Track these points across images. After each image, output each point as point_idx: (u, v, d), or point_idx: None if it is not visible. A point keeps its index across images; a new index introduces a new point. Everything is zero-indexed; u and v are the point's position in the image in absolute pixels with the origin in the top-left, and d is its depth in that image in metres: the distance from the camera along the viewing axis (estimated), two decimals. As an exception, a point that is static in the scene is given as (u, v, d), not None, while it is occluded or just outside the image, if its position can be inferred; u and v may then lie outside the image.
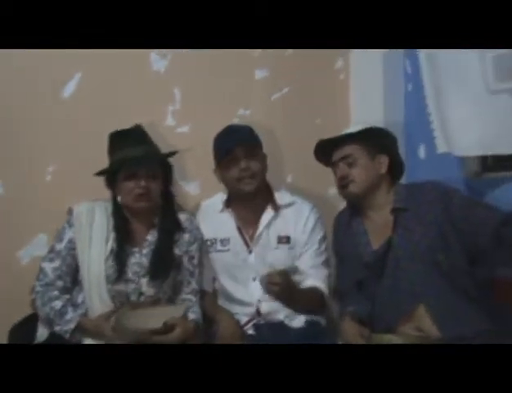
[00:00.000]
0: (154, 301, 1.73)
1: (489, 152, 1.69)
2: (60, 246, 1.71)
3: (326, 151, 1.80)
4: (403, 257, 1.61)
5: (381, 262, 1.65)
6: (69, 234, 1.71)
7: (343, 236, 1.81)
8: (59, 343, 1.62)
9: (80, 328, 1.65)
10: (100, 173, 1.75)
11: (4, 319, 1.74)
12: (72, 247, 1.71)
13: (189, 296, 1.82)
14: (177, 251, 1.79)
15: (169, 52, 2.11)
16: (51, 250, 1.72)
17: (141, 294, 1.72)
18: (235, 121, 2.13)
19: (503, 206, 1.60)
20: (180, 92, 2.13)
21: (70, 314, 1.65)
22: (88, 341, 1.65)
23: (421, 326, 1.53)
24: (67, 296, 1.70)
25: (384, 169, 1.72)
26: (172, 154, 1.84)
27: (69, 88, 2.01)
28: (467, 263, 1.58)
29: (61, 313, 1.65)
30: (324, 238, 1.94)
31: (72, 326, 1.63)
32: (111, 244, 1.71)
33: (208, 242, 1.91)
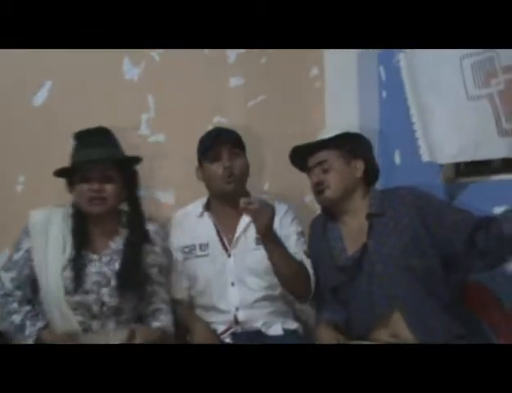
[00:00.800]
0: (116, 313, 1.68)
1: (468, 159, 1.71)
2: (17, 256, 1.66)
3: (302, 156, 1.80)
4: (378, 262, 1.62)
5: (356, 267, 1.65)
6: (26, 243, 1.66)
7: (318, 241, 1.81)
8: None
9: (42, 341, 1.59)
10: (58, 174, 1.68)
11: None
12: (29, 257, 1.65)
13: (161, 306, 1.77)
14: (145, 262, 1.73)
15: (142, 60, 2.09)
16: (9, 259, 1.68)
17: (103, 304, 1.65)
18: (211, 128, 2.11)
19: (476, 210, 1.61)
20: (154, 100, 2.11)
21: (29, 329, 1.60)
22: None
23: (396, 332, 1.54)
24: (27, 308, 1.64)
25: (359, 174, 1.72)
26: (136, 159, 1.77)
27: (41, 96, 1.98)
28: (441, 267, 1.59)
29: (20, 328, 1.60)
30: (302, 233, 1.91)
31: (30, 341, 1.58)
32: (68, 252, 1.64)
33: (187, 249, 1.89)
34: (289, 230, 1.88)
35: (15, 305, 1.63)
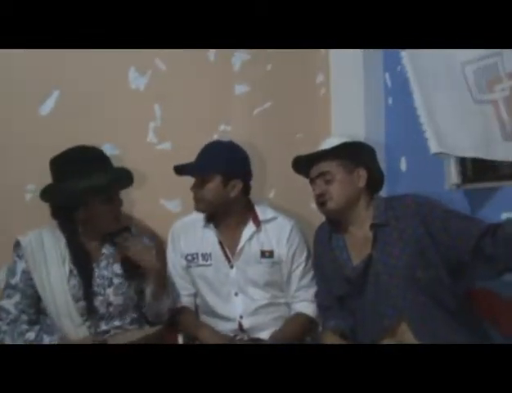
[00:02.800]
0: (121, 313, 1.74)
1: (480, 155, 1.67)
2: (15, 280, 1.69)
3: (304, 165, 1.80)
4: (383, 272, 1.60)
5: (362, 277, 1.64)
6: (21, 266, 1.70)
7: (323, 251, 1.80)
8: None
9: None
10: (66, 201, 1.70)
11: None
12: (28, 278, 1.69)
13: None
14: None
15: (148, 69, 2.11)
16: (6, 286, 1.70)
17: (109, 304, 1.72)
18: (217, 137, 2.13)
19: (482, 217, 1.60)
20: (160, 108, 2.13)
21: (47, 339, 1.64)
22: None
23: (403, 342, 1.53)
24: (37, 326, 1.68)
25: (362, 183, 1.70)
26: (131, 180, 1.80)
27: (48, 106, 2.00)
28: (447, 276, 1.57)
29: (37, 341, 1.63)
30: (309, 255, 1.93)
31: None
32: (68, 265, 1.71)
33: (190, 257, 1.90)
34: (295, 256, 1.90)
35: (24, 327, 1.66)
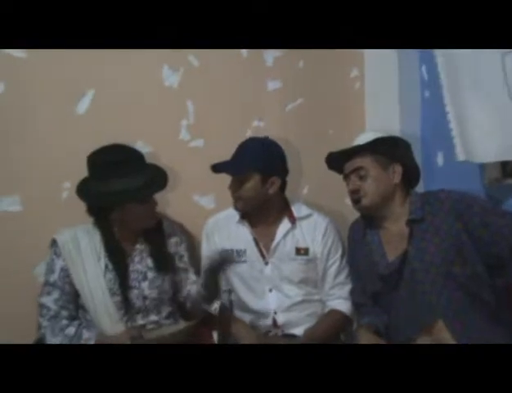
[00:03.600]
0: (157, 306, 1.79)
1: (507, 158, 1.64)
2: (53, 278, 1.73)
3: (338, 161, 1.78)
4: (419, 269, 1.57)
5: (397, 274, 1.61)
6: (59, 264, 1.74)
7: (357, 247, 1.78)
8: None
9: (101, 344, 1.66)
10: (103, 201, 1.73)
11: (22, 338, 1.73)
12: (66, 275, 1.73)
13: (193, 287, 1.87)
14: (168, 251, 1.85)
15: (181, 66, 2.12)
16: (46, 283, 1.74)
17: (145, 298, 1.76)
18: (250, 133, 2.13)
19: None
20: (193, 105, 2.13)
21: (87, 334, 1.68)
22: None
23: (440, 340, 1.50)
24: (77, 322, 1.72)
25: (397, 179, 1.68)
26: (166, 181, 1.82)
27: (84, 105, 2.03)
28: (485, 273, 1.53)
29: (77, 336, 1.67)
30: (344, 253, 1.92)
31: (92, 343, 1.66)
32: (104, 261, 1.75)
33: (224, 253, 1.89)
34: (331, 254, 1.89)
35: (65, 322, 1.71)
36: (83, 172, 1.98)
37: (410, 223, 1.62)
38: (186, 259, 1.90)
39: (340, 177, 2.03)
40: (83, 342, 1.66)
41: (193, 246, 2.02)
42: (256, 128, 2.16)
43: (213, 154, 2.09)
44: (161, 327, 1.77)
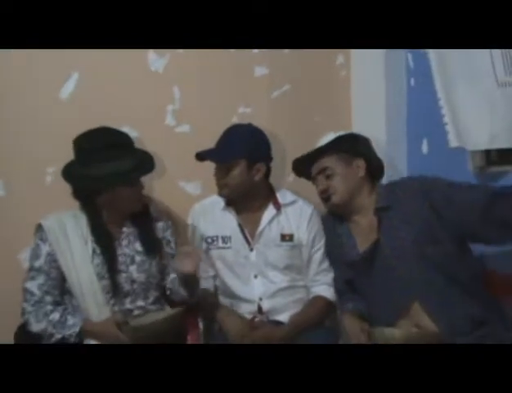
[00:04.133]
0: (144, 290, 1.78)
1: (499, 146, 1.67)
2: (39, 263, 1.71)
3: (304, 166, 1.83)
4: (391, 256, 1.62)
5: (369, 262, 1.66)
6: (45, 249, 1.72)
7: (329, 237, 1.84)
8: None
9: (84, 331, 1.67)
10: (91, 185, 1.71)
11: (7, 321, 1.75)
12: (52, 260, 1.71)
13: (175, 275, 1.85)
14: (156, 235, 1.84)
15: (167, 51, 2.09)
16: (30, 269, 1.72)
17: (133, 281, 1.76)
18: (236, 119, 2.11)
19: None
20: (179, 91, 2.11)
21: (72, 320, 1.67)
22: (91, 342, 1.68)
23: (418, 322, 1.54)
24: (62, 307, 1.71)
25: (362, 173, 1.74)
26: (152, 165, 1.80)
27: (67, 88, 2.01)
28: (457, 251, 1.58)
29: (61, 322, 1.67)
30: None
31: (76, 329, 1.66)
32: (91, 245, 1.73)
33: (209, 239, 1.90)
34: (315, 241, 1.90)
35: (49, 307, 1.69)
36: (67, 156, 1.96)
37: (378, 212, 1.67)
38: (173, 244, 1.88)
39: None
40: (66, 329, 1.65)
41: (179, 232, 2.01)
42: (242, 114, 2.15)
43: (199, 140, 2.08)
44: (147, 313, 1.76)
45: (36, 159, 1.99)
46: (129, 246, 1.78)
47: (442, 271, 1.56)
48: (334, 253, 1.81)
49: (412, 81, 2.16)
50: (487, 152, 1.80)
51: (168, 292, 1.87)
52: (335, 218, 1.80)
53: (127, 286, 1.75)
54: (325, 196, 1.75)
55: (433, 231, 1.58)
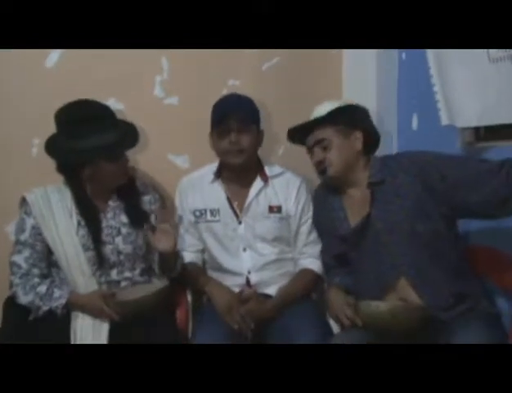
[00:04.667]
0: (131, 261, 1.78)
1: (489, 122, 1.67)
2: (24, 237, 1.71)
3: (300, 135, 1.79)
4: (382, 230, 1.61)
5: (360, 236, 1.65)
6: (30, 222, 1.71)
7: (321, 211, 1.82)
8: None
9: (70, 304, 1.67)
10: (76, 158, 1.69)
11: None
12: (37, 233, 1.71)
13: None
14: (142, 208, 1.83)
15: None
16: (17, 242, 1.72)
17: (119, 253, 1.76)
18: (225, 91, 2.09)
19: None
20: (168, 62, 2.08)
21: (58, 292, 1.68)
22: (78, 315, 1.68)
23: (404, 296, 1.56)
24: (49, 280, 1.71)
25: (359, 146, 1.70)
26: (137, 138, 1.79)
27: (52, 59, 1.97)
28: (447, 228, 1.59)
29: (48, 294, 1.67)
30: None
31: (63, 301, 1.66)
32: (76, 217, 1.73)
33: (198, 213, 1.90)
34: (303, 212, 1.90)
35: (37, 280, 1.70)
36: (53, 128, 1.94)
37: (371, 186, 1.65)
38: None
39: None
40: (53, 301, 1.66)
41: (167, 206, 2.00)
42: (232, 86, 2.12)
43: (187, 112, 2.07)
44: (134, 285, 1.77)
45: (21, 130, 1.96)
46: (115, 218, 1.78)
47: (430, 248, 1.57)
48: (326, 227, 1.79)
49: (403, 55, 2.14)
50: (476, 128, 1.80)
51: (154, 266, 1.86)
52: (328, 190, 1.78)
53: (113, 258, 1.75)
54: (321, 168, 1.71)
55: (425, 207, 1.57)
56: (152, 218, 1.84)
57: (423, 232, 1.57)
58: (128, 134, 1.75)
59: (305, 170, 2.02)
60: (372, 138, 1.75)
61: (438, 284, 1.55)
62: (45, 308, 1.65)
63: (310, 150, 1.76)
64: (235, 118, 1.78)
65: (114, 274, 1.76)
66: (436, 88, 1.78)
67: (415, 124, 2.07)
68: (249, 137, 1.82)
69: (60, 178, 1.77)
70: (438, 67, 1.78)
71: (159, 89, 2.08)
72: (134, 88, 2.04)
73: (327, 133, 1.70)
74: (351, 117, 1.72)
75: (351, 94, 2.17)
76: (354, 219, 1.68)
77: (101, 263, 1.73)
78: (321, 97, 2.08)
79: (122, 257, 1.76)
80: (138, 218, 1.79)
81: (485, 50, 1.60)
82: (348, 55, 2.23)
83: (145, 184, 1.90)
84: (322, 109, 1.74)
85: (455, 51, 1.69)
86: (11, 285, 1.70)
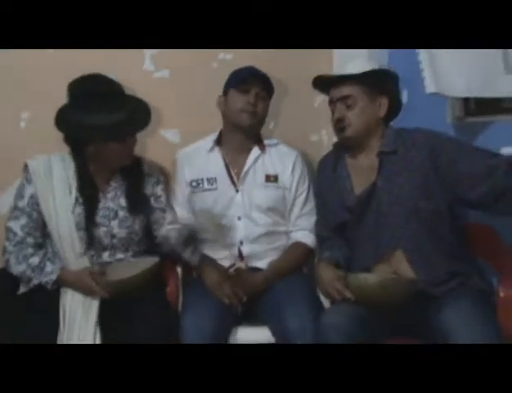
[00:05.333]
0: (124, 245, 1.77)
1: (478, 94, 1.67)
2: (22, 203, 1.70)
3: (325, 84, 1.75)
4: (386, 202, 1.61)
5: (364, 206, 1.64)
6: (29, 190, 1.70)
7: (326, 180, 1.79)
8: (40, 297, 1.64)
9: (60, 280, 1.66)
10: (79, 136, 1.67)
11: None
12: (35, 202, 1.69)
13: (171, 226, 1.85)
14: (143, 192, 1.81)
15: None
16: (15, 208, 1.71)
17: (113, 236, 1.73)
18: (216, 65, 2.07)
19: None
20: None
21: (50, 267, 1.67)
22: (68, 290, 1.67)
23: (398, 269, 1.56)
24: (43, 251, 1.70)
25: (382, 113, 1.67)
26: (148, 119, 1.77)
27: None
28: (448, 211, 1.59)
29: (40, 267, 1.66)
30: (310, 185, 1.95)
31: (53, 277, 1.65)
32: (75, 194, 1.71)
33: (194, 183, 1.89)
34: (299, 185, 1.92)
35: (30, 250, 1.68)
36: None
37: (381, 155, 1.64)
38: (163, 199, 1.86)
39: (308, 113, 2.03)
40: (44, 276, 1.65)
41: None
42: (223, 60, 2.10)
43: (178, 86, 2.05)
44: (124, 264, 1.74)
45: (9, 104, 1.94)
46: (114, 199, 1.75)
47: (430, 226, 1.58)
48: (330, 196, 1.76)
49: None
50: (466, 103, 1.81)
51: (157, 241, 1.85)
52: (336, 157, 1.75)
53: (106, 241, 1.73)
54: (340, 125, 1.66)
55: (430, 186, 1.57)
56: (152, 200, 1.83)
57: (425, 209, 1.57)
58: (138, 113, 1.71)
59: (294, 145, 2.03)
60: (395, 107, 1.72)
61: (434, 261, 1.56)
62: (35, 281, 1.65)
63: (332, 103, 1.71)
64: (258, 82, 1.85)
65: (105, 256, 1.74)
66: (421, 58, 1.77)
67: (404, 98, 2.07)
68: (264, 105, 1.88)
69: (50, 152, 1.75)
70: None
71: (149, 63, 2.06)
72: (124, 61, 2.02)
73: (354, 91, 1.66)
74: (381, 82, 1.68)
75: (341, 66, 2.15)
76: (359, 186, 1.66)
77: (91, 244, 1.71)
78: (311, 68, 2.07)
79: (115, 241, 1.74)
80: (138, 203, 1.77)
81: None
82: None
83: (151, 166, 1.87)
84: (354, 66, 1.70)
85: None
86: (4, 251, 1.69)
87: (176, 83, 2.06)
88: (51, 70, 1.92)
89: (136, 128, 1.72)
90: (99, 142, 1.66)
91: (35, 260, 1.67)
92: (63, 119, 1.68)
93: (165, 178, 1.93)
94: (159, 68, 2.07)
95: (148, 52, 2.05)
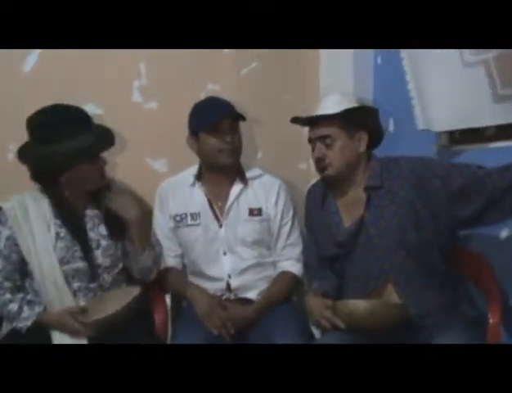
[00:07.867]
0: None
1: (464, 126, 1.70)
2: None
3: (303, 123, 1.76)
4: (374, 235, 1.60)
5: (352, 239, 1.64)
6: (5, 233, 1.67)
7: (315, 212, 1.78)
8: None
9: (42, 322, 1.64)
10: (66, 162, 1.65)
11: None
12: (13, 244, 1.67)
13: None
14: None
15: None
16: None
17: (98, 266, 1.71)
18: (204, 95, 2.09)
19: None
20: (146, 66, 2.07)
21: (27, 312, 1.64)
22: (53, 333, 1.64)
23: (389, 302, 1.56)
24: (20, 296, 1.67)
25: (362, 148, 1.66)
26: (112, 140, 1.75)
27: (29, 63, 1.95)
28: (438, 239, 1.58)
29: (18, 313, 1.64)
30: (295, 214, 1.95)
31: (28, 323, 1.63)
32: (54, 230, 1.68)
33: (178, 217, 1.89)
34: (283, 214, 1.91)
35: (8, 296, 1.66)
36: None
37: (368, 190, 1.63)
38: None
39: (294, 143, 2.04)
40: (19, 321, 1.63)
41: (145, 211, 1.98)
42: (210, 91, 2.12)
43: (166, 117, 2.06)
44: (104, 296, 1.71)
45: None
46: (94, 229, 1.73)
47: (420, 257, 1.57)
48: (318, 230, 1.75)
49: (379, 59, 2.17)
50: (451, 131, 1.83)
51: (132, 271, 1.81)
52: (323, 191, 1.74)
53: (91, 271, 1.70)
54: (321, 165, 1.66)
55: (419, 217, 1.56)
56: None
57: (414, 241, 1.56)
58: (104, 135, 1.71)
59: (282, 174, 2.04)
60: (376, 138, 1.72)
61: (425, 293, 1.56)
62: (14, 324, 1.63)
63: (312, 142, 1.71)
64: (226, 115, 1.82)
65: (92, 287, 1.72)
66: (412, 94, 1.81)
67: (391, 127, 2.10)
68: (238, 135, 1.87)
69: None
70: (413, 73, 1.81)
71: (137, 94, 2.07)
72: (112, 92, 2.03)
73: (333, 130, 1.64)
74: (359, 118, 1.68)
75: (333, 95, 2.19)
76: (348, 220, 1.66)
77: (75, 276, 1.68)
78: (298, 100, 2.11)
79: (100, 270, 1.72)
80: (118, 229, 1.74)
81: (459, 55, 1.63)
82: (325, 59, 2.25)
83: (121, 190, 1.85)
84: (331, 101, 1.69)
85: (429, 58, 1.72)
86: None
87: (164, 113, 2.07)
88: (39, 101, 1.93)
89: (103, 146, 1.70)
90: (69, 167, 1.64)
91: (14, 307, 1.64)
92: (27, 155, 1.66)
93: (136, 200, 1.88)
94: (147, 99, 2.08)
95: (136, 84, 2.07)
